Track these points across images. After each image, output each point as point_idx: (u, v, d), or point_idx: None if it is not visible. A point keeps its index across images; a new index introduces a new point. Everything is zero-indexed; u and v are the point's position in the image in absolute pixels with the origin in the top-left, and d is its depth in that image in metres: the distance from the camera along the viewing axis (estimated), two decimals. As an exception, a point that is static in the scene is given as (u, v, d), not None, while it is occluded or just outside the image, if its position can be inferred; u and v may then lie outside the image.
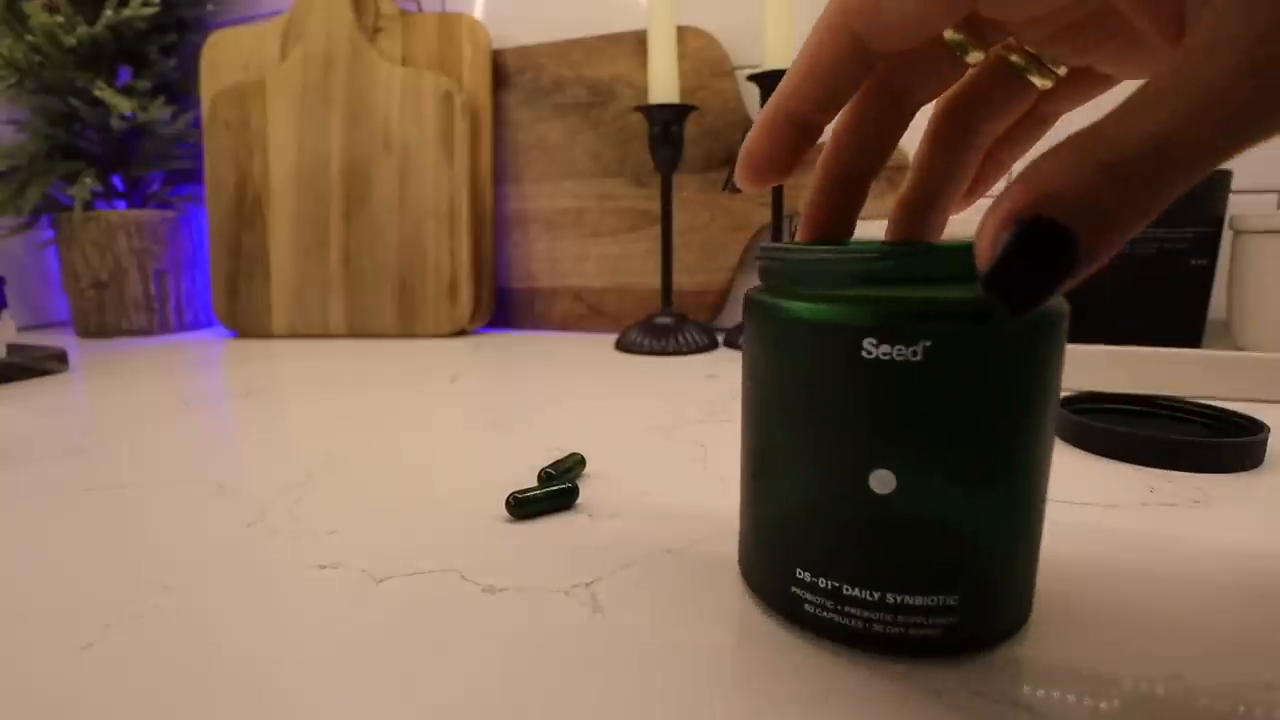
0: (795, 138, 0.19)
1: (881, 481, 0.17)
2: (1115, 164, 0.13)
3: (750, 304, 0.19)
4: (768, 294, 0.19)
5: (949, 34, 0.19)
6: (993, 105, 0.21)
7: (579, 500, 0.28)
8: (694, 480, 0.31)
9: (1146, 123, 0.13)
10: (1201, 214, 0.48)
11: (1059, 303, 0.17)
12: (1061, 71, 0.20)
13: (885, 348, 0.16)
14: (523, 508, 0.27)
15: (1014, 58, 0.20)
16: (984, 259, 0.14)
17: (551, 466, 0.30)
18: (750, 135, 0.20)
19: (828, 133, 0.21)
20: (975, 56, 0.20)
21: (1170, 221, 0.48)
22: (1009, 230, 0.14)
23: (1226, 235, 0.50)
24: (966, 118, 0.21)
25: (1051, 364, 0.17)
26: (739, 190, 0.20)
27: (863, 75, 0.19)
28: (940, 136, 0.21)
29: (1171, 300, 0.49)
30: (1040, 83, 0.20)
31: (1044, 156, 0.14)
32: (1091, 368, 0.45)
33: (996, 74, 0.20)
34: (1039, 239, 0.13)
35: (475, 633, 0.19)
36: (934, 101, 0.21)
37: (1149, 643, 0.18)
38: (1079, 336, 0.49)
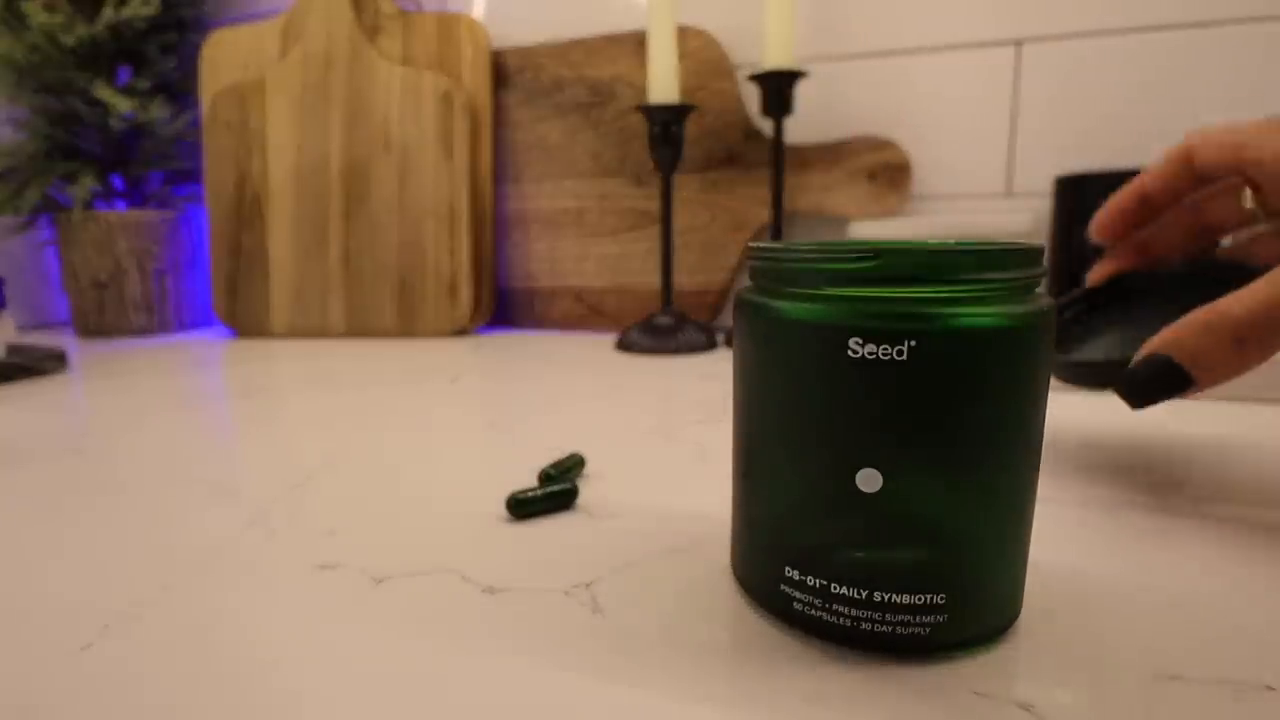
0: (1139, 212, 0.31)
1: (868, 480, 0.17)
2: (1239, 333, 0.22)
3: (740, 303, 0.19)
4: (757, 293, 0.19)
5: (1249, 203, 0.29)
6: (1221, 212, 0.31)
7: (579, 500, 0.28)
8: (694, 480, 0.31)
9: (1259, 300, 0.21)
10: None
11: (1046, 301, 0.17)
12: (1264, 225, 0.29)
13: (871, 347, 0.16)
14: (522, 508, 0.27)
15: (1243, 199, 0.29)
16: (1134, 370, 0.24)
17: (551, 467, 0.30)
18: (1113, 199, 0.31)
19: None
20: (1249, 201, 0.29)
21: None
22: (1153, 353, 0.24)
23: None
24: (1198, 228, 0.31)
25: (1039, 363, 0.17)
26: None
27: (1190, 188, 0.30)
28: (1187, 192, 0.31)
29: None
30: (1253, 208, 0.29)
31: (1196, 314, 0.23)
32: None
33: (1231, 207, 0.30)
34: (1166, 373, 0.24)
35: (475, 633, 0.19)
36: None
37: (1146, 643, 0.18)
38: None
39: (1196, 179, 0.29)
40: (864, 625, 0.17)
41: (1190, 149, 0.28)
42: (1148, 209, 0.31)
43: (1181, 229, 0.31)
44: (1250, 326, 0.22)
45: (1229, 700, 0.16)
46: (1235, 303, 0.22)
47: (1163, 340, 0.23)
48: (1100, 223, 0.32)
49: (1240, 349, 0.22)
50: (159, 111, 0.79)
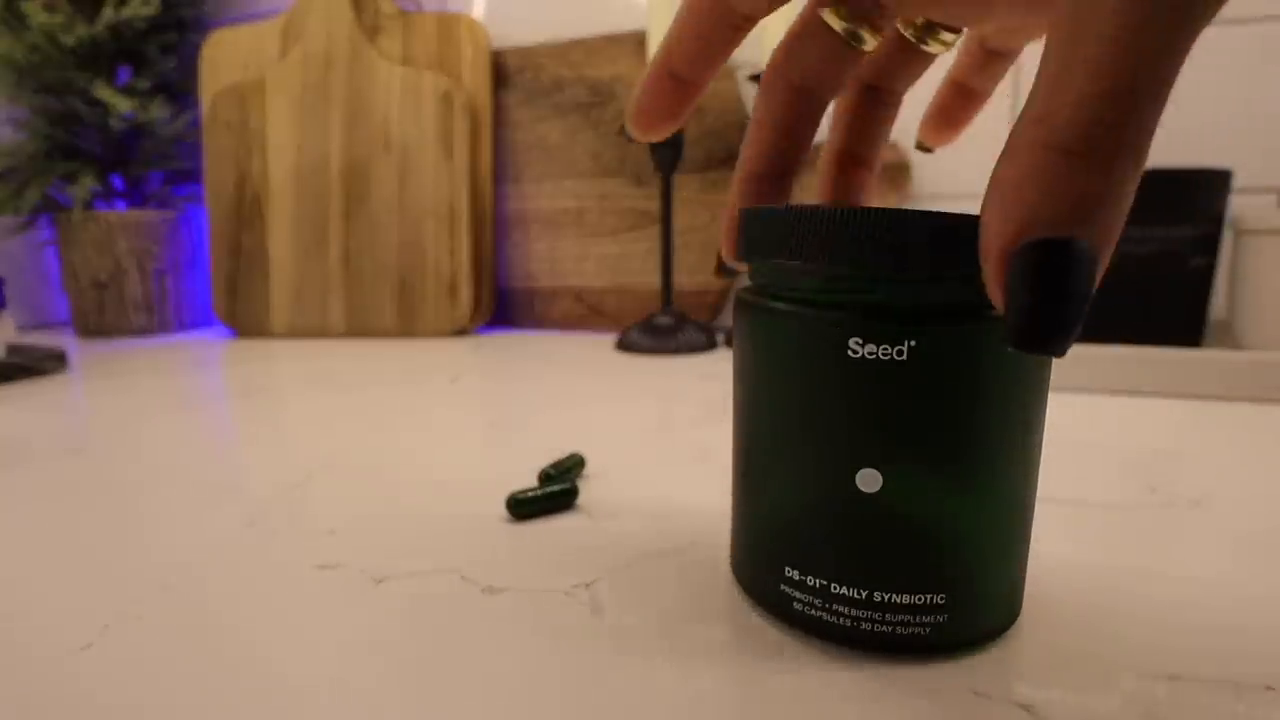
0: (678, 91, 0.20)
1: (868, 480, 0.17)
2: (1072, 143, 0.12)
3: (739, 303, 0.19)
4: (756, 293, 0.19)
5: (839, 24, 0.19)
6: (900, 70, 0.22)
7: (579, 500, 0.28)
8: (694, 480, 0.31)
9: (1077, 82, 0.12)
10: (1201, 214, 0.48)
11: None
12: (954, 38, 0.21)
13: (870, 347, 0.16)
14: (522, 508, 0.27)
15: (907, 32, 0.21)
16: (1006, 315, 0.13)
17: (551, 466, 0.30)
18: (638, 86, 0.21)
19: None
20: (871, 43, 0.20)
21: (1170, 221, 0.48)
22: (1010, 271, 0.13)
23: (1227, 235, 0.50)
24: (874, 83, 0.22)
25: (1039, 363, 0.17)
26: (632, 139, 0.22)
27: (734, 35, 0.19)
28: (853, 99, 0.23)
29: (1171, 300, 0.49)
30: (939, 50, 0.21)
31: (1001, 162, 0.13)
32: (1091, 368, 0.45)
33: (894, 46, 0.21)
34: (1046, 267, 0.12)
35: (475, 633, 0.19)
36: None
37: (1146, 643, 0.18)
38: (1078, 336, 0.49)
39: (736, 22, 0.19)
40: (864, 625, 0.17)
41: None
42: (685, 81, 0.20)
43: (785, 127, 0.20)
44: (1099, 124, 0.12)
45: (1229, 700, 0.16)
46: (1056, 107, 0.12)
47: (998, 221, 0.13)
48: (639, 113, 0.20)
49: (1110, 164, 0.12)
50: (159, 111, 0.79)
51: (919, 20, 0.21)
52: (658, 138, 0.21)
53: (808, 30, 0.20)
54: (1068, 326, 0.13)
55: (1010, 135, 0.13)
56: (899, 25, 0.21)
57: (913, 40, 0.21)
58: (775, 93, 0.20)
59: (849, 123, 0.23)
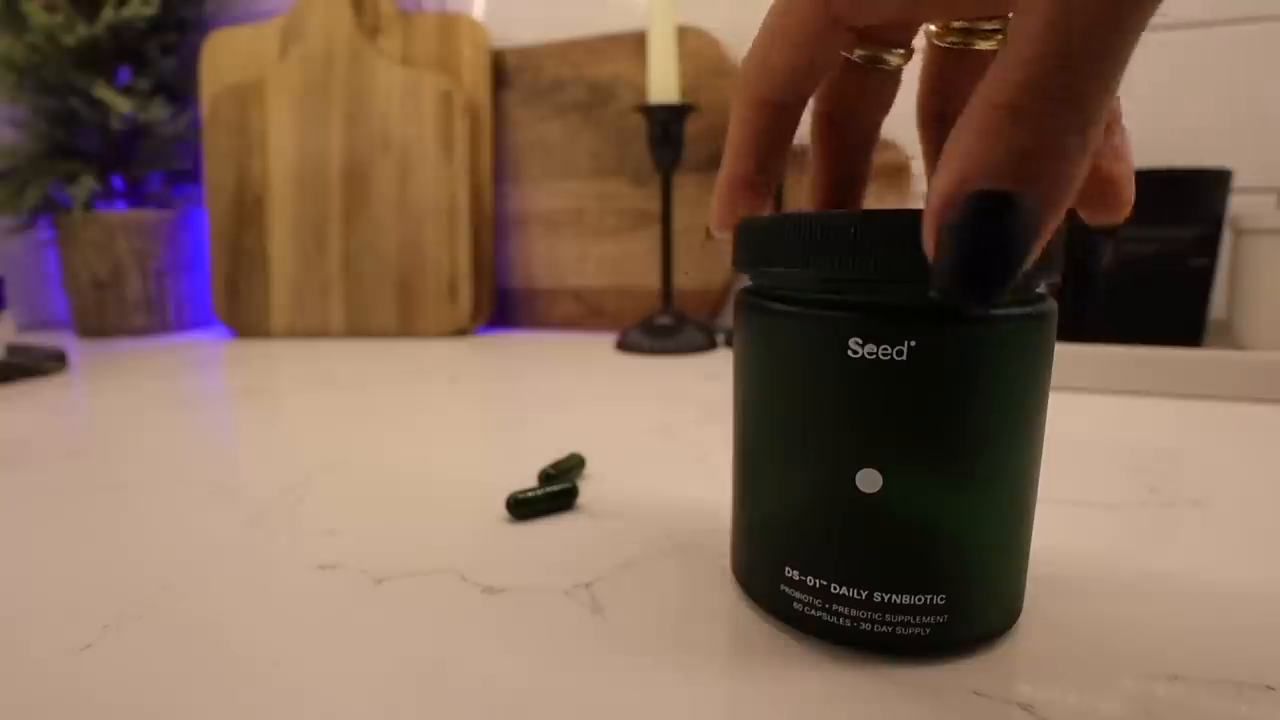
0: (750, 199, 0.20)
1: (868, 481, 0.17)
2: (1011, 99, 0.12)
3: (740, 304, 0.19)
4: (757, 294, 0.19)
5: (854, 53, 0.19)
6: (963, 86, 0.20)
7: (579, 500, 0.28)
8: (694, 480, 0.31)
9: (1021, 48, 0.12)
10: (1201, 214, 0.48)
11: (1047, 302, 0.17)
12: (997, 24, 0.19)
13: (870, 347, 0.16)
14: (522, 508, 0.27)
15: (947, 41, 0.20)
16: (934, 262, 0.13)
17: (551, 467, 0.30)
18: (720, 192, 0.20)
19: None
20: (897, 61, 0.20)
21: (1170, 221, 0.48)
22: (944, 222, 0.12)
23: (1227, 235, 0.50)
24: (946, 110, 0.21)
25: (1039, 363, 0.17)
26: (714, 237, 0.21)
27: (788, 125, 0.19)
28: (935, 140, 0.21)
29: (1171, 300, 0.49)
30: (989, 45, 0.19)
31: (955, 130, 0.13)
32: (1091, 368, 0.45)
33: (945, 59, 0.20)
34: (978, 216, 0.12)
35: (475, 633, 0.19)
36: (812, 114, 0.21)
37: (1146, 643, 0.18)
38: (1079, 336, 0.49)
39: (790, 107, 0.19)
40: (864, 625, 0.17)
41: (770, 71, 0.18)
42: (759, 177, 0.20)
43: (837, 159, 0.21)
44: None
45: (1229, 700, 0.16)
46: (1002, 70, 0.12)
47: (944, 173, 0.13)
48: (721, 219, 0.21)
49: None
50: (159, 111, 0.79)
51: (953, 24, 0.19)
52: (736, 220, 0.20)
53: (830, 63, 0.19)
54: (995, 278, 0.12)
55: (965, 108, 0.13)
56: (934, 40, 0.20)
57: (956, 45, 0.19)
58: (822, 132, 0.21)
59: (830, 170, 0.22)
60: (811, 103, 0.20)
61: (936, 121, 0.21)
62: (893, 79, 0.20)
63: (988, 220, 0.12)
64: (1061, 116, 0.12)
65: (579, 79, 0.75)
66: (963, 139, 0.13)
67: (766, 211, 0.20)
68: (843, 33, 0.18)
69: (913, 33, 0.20)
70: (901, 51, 0.20)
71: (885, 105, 0.21)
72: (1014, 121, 0.12)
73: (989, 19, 0.19)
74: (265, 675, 0.18)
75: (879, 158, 0.70)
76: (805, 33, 0.17)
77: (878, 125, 0.21)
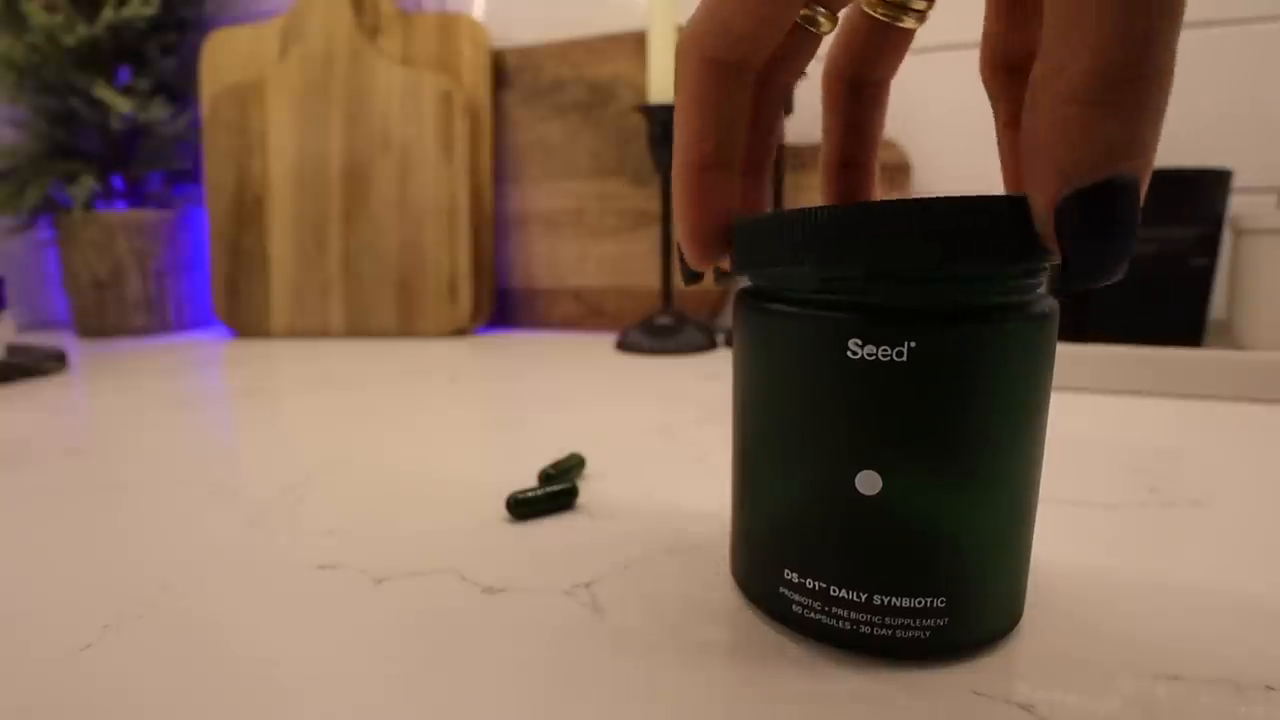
0: (720, 184, 0.19)
1: (867, 482, 0.17)
2: (1093, 94, 0.12)
3: (739, 304, 0.19)
4: (756, 294, 0.19)
5: (879, 10, 0.19)
6: (878, 56, 0.21)
7: (579, 500, 0.28)
8: (694, 480, 0.31)
9: (1088, 30, 0.12)
10: (1201, 214, 0.48)
11: (1048, 303, 0.17)
12: (926, 6, 0.20)
13: (870, 348, 0.16)
14: (522, 508, 0.27)
15: (877, 13, 0.20)
16: (1064, 259, 0.14)
17: (551, 467, 0.30)
18: (681, 215, 0.19)
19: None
20: (828, 26, 0.19)
21: (1170, 221, 0.48)
22: (1061, 224, 0.13)
23: (1227, 235, 0.50)
24: (857, 77, 0.21)
25: (1040, 364, 0.17)
26: (698, 279, 0.21)
27: (746, 95, 0.18)
28: (839, 101, 0.21)
29: (1171, 300, 0.49)
30: (914, 24, 0.20)
31: (1027, 115, 0.14)
32: (1092, 368, 0.45)
33: (868, 29, 0.20)
34: (1093, 210, 0.13)
35: (475, 633, 0.19)
36: (823, 73, 0.21)
37: (1146, 643, 0.18)
38: (1079, 336, 0.49)
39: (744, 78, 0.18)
40: (864, 628, 0.17)
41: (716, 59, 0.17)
42: (720, 168, 0.19)
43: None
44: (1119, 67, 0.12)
45: (1229, 700, 0.16)
46: (1071, 56, 0.12)
47: (1041, 173, 0.13)
48: (693, 232, 0.19)
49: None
50: (159, 111, 0.79)
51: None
52: (718, 256, 0.19)
53: (853, 24, 0.20)
54: (1122, 254, 0.13)
55: (1030, 88, 0.13)
56: (864, 6, 0.20)
57: (885, 18, 0.20)
58: (837, 93, 0.20)
59: (839, 126, 0.22)
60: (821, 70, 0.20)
61: (845, 83, 0.21)
62: (810, 42, 0.20)
63: (1107, 212, 0.13)
64: (1149, 97, 0.12)
65: (579, 79, 0.75)
66: (1051, 146, 0.13)
67: (738, 193, 0.19)
68: None
69: None
70: (828, 15, 0.19)
71: (795, 67, 0.20)
72: (1100, 117, 0.12)
73: None
74: (265, 675, 0.18)
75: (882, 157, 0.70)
76: None
77: (887, 82, 0.21)
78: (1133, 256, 0.14)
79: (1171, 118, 0.62)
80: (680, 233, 0.19)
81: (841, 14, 0.20)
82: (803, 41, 0.20)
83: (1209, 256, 0.48)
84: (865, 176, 0.22)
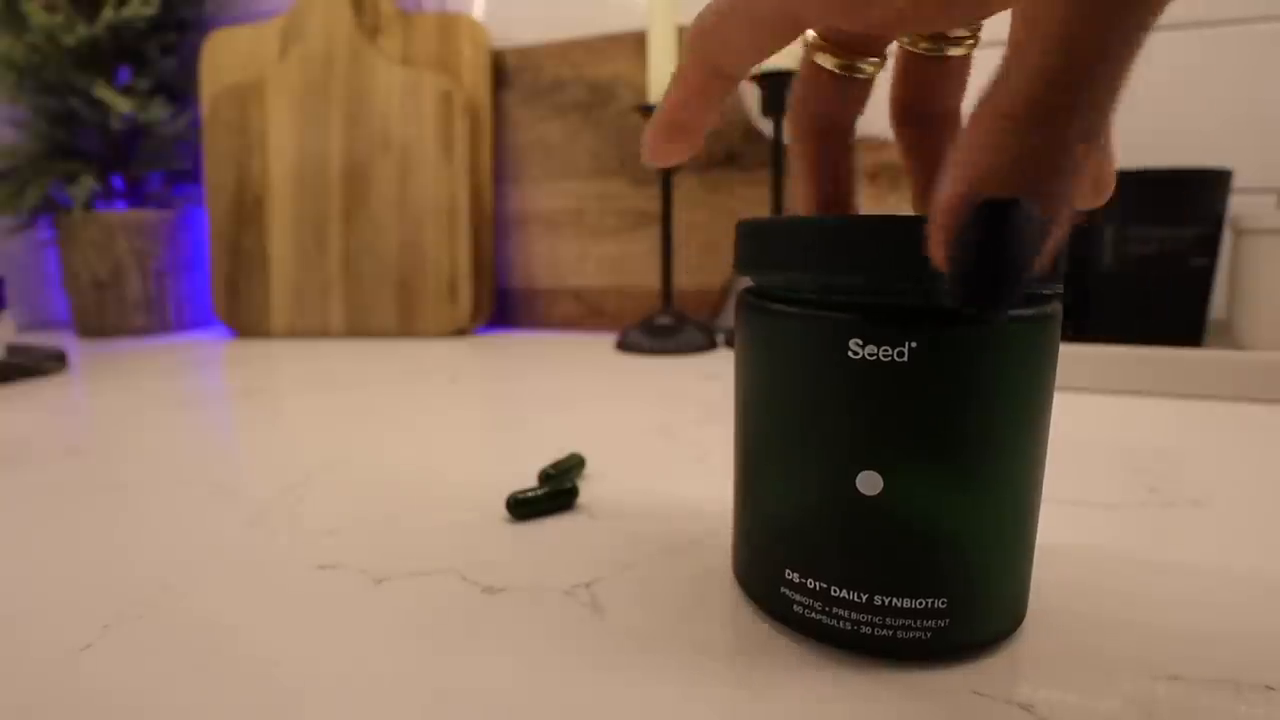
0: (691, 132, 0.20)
1: (869, 483, 0.17)
2: (1016, 108, 0.12)
3: (741, 304, 0.19)
4: (758, 294, 0.19)
5: (832, 63, 0.19)
6: (938, 87, 0.20)
7: (579, 500, 0.28)
8: (694, 480, 0.31)
9: (1028, 58, 0.12)
10: (1201, 214, 0.48)
11: (1052, 304, 0.17)
12: (968, 32, 0.19)
13: (871, 348, 0.16)
14: (522, 508, 0.27)
15: (919, 49, 0.19)
16: (945, 271, 0.13)
17: (551, 467, 0.30)
18: (655, 130, 0.20)
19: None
20: (873, 70, 0.20)
21: (1170, 221, 0.48)
22: (953, 231, 0.13)
23: (1227, 235, 0.50)
24: (924, 112, 0.21)
25: (1043, 365, 0.17)
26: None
27: (727, 93, 0.19)
28: (909, 141, 0.21)
29: (1171, 300, 0.49)
30: (961, 51, 0.19)
31: (959, 138, 0.13)
32: (1091, 368, 0.45)
33: (919, 63, 0.20)
34: (987, 225, 0.12)
35: (475, 633, 0.19)
36: (889, 117, 0.21)
37: (1146, 643, 0.18)
38: (1079, 336, 0.49)
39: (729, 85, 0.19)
40: (864, 629, 0.17)
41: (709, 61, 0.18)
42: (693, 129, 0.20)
43: (823, 158, 0.21)
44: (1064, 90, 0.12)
45: (1229, 700, 0.16)
46: (1005, 86, 0.13)
47: (949, 185, 0.13)
48: (654, 151, 0.20)
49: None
50: (159, 111, 0.79)
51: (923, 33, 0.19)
52: (676, 158, 0.20)
53: (811, 74, 0.20)
54: (1005, 286, 0.13)
55: (970, 115, 0.13)
56: (907, 46, 0.20)
57: (930, 53, 0.19)
58: (805, 141, 0.20)
59: (916, 167, 0.21)
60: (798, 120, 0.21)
61: (913, 121, 0.21)
62: (862, 87, 0.20)
63: (996, 230, 0.12)
64: (1067, 128, 0.12)
65: (579, 79, 0.75)
66: (968, 148, 0.13)
67: (696, 145, 0.20)
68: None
69: (886, 43, 0.20)
70: (869, 60, 0.20)
71: (854, 112, 0.21)
72: (1019, 132, 0.12)
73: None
74: (265, 675, 0.18)
75: (878, 158, 0.70)
76: (775, 33, 0.17)
77: (847, 134, 0.21)
78: (1009, 301, 0.13)
79: (1171, 117, 0.62)
80: (643, 152, 0.20)
81: (891, 51, 0.20)
82: (850, 88, 0.20)
83: (1209, 256, 0.48)
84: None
